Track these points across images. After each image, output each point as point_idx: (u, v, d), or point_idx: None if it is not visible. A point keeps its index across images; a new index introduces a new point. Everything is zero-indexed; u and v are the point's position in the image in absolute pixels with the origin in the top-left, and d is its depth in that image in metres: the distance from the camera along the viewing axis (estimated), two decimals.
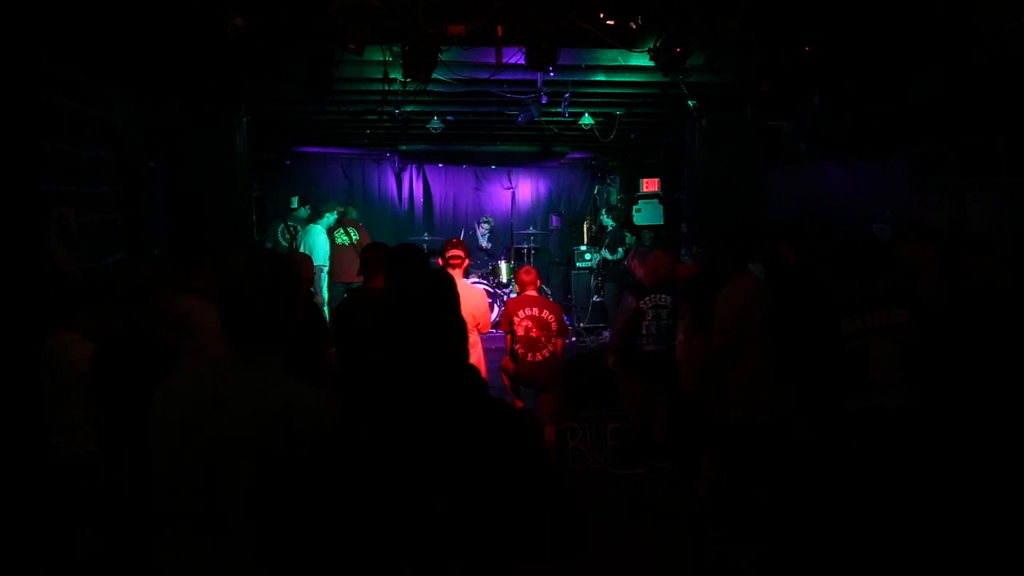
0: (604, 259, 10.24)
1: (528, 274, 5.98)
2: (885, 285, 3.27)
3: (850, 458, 3.23)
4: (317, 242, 9.08)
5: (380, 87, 6.20)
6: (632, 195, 10.90)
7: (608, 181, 12.34)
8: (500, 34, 5.37)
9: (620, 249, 9.98)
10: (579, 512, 4.57)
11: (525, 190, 12.46)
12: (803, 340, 3.44)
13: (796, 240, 4.84)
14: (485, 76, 6.03)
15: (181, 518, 1.71)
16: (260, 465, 1.64)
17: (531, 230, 11.33)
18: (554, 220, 12.46)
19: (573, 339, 9.29)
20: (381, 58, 5.68)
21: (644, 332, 5.55)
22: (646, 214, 10.54)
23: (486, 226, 11.13)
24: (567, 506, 1.83)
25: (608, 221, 10.53)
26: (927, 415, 3.16)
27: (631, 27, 5.16)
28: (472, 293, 5.16)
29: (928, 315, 3.24)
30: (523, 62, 5.49)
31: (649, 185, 10.60)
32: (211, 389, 1.75)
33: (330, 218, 9.48)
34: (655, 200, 10.55)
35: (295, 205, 10.34)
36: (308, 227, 9.40)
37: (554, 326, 5.71)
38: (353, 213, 10.08)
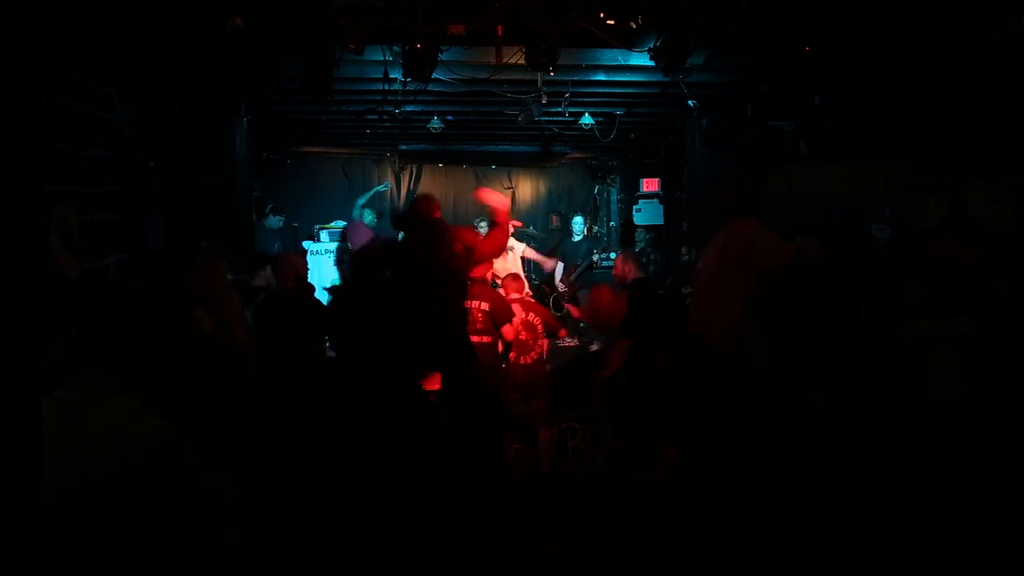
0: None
1: (516, 280, 6.12)
2: (943, 288, 2.89)
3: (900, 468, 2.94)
4: None
5: (380, 87, 6.19)
6: (632, 195, 10.90)
7: (608, 181, 12.32)
8: (500, 34, 5.37)
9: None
10: None
11: (525, 190, 12.45)
12: (848, 343, 3.05)
13: (825, 233, 4.44)
14: (485, 76, 6.03)
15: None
16: (91, 505, 1.52)
17: (531, 230, 11.31)
18: (554, 220, 12.45)
19: (573, 340, 9.26)
20: (381, 58, 5.67)
21: None
22: (646, 214, 10.53)
23: (484, 226, 11.10)
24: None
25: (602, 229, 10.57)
26: (988, 425, 2.86)
27: (631, 27, 5.15)
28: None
29: (996, 320, 2.87)
30: (523, 62, 5.49)
31: (649, 185, 10.59)
32: (62, 417, 1.64)
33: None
34: (655, 200, 10.54)
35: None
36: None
37: (539, 328, 5.82)
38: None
